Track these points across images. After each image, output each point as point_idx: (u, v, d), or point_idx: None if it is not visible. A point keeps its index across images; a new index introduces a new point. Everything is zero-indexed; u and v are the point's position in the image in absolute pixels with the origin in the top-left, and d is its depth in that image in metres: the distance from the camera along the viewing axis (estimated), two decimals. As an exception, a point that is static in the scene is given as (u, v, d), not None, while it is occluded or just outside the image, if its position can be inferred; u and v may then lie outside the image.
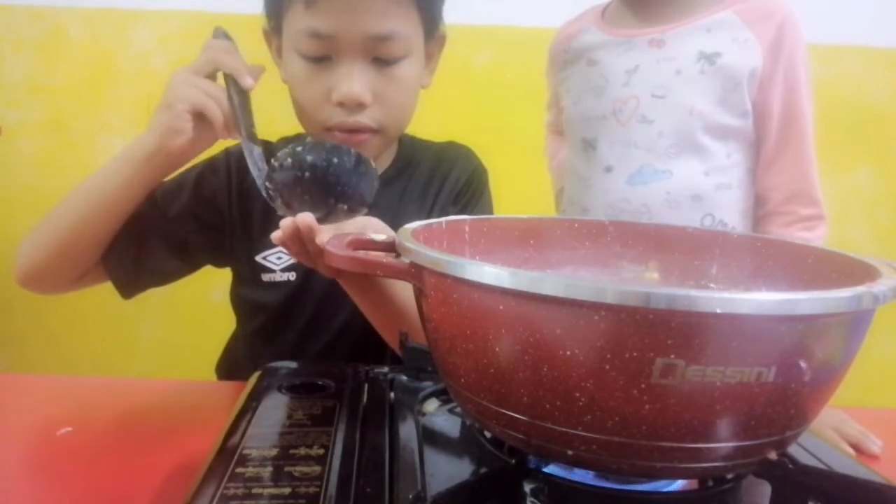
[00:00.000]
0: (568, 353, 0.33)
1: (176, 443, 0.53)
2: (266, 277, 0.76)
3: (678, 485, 0.40)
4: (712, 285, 0.51)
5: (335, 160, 0.56)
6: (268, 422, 0.46)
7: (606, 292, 0.31)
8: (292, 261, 0.75)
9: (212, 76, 0.65)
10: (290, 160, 0.56)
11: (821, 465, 0.44)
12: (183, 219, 0.74)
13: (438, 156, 0.86)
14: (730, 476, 0.40)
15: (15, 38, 1.54)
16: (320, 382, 0.54)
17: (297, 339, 0.77)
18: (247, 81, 0.64)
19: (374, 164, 0.58)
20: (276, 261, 0.76)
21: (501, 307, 0.35)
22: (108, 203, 0.67)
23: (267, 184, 0.57)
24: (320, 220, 0.54)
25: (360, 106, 0.70)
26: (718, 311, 0.31)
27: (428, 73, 0.79)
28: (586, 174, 0.89)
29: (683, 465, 0.36)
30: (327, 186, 0.56)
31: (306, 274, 0.75)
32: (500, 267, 0.34)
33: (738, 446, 0.35)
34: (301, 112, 0.74)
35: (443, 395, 0.53)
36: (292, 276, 0.76)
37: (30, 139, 1.59)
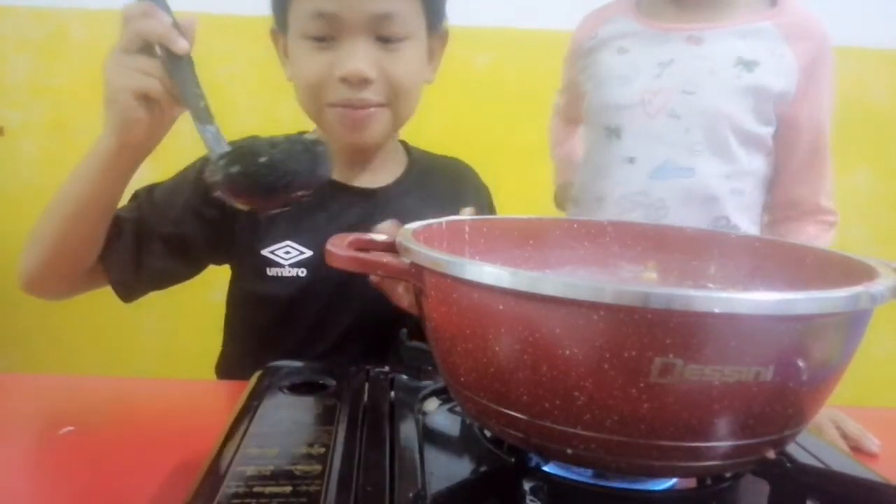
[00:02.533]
0: (567, 352, 0.33)
1: (177, 442, 0.53)
2: (272, 272, 0.75)
3: (676, 483, 0.40)
4: (710, 285, 0.51)
5: (264, 159, 0.53)
6: (269, 421, 0.47)
7: (605, 292, 0.32)
8: (302, 256, 0.75)
9: (145, 48, 0.58)
10: (221, 164, 0.53)
11: (819, 464, 0.44)
12: (184, 218, 0.74)
13: (453, 170, 0.87)
14: (728, 475, 0.41)
15: (17, 38, 1.54)
16: (321, 382, 0.54)
17: (303, 337, 0.77)
18: (178, 45, 0.56)
19: (321, 145, 0.56)
20: (285, 255, 0.76)
21: (501, 307, 0.35)
22: (86, 206, 0.65)
23: (210, 178, 0.54)
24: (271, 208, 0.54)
25: (364, 82, 0.70)
26: (716, 310, 0.31)
27: (431, 70, 0.79)
28: (605, 162, 0.88)
29: (682, 464, 0.36)
30: (268, 185, 0.53)
31: (317, 270, 0.75)
32: (500, 267, 0.34)
33: (737, 445, 0.35)
34: (304, 93, 0.73)
35: (443, 394, 0.53)
36: (302, 272, 0.75)
37: (32, 140, 1.60)
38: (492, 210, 0.88)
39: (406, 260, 0.41)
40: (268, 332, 0.79)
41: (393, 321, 0.71)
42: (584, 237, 0.55)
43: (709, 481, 0.41)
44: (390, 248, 0.46)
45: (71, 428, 0.56)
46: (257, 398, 0.50)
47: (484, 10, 1.46)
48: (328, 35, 0.70)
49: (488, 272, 0.34)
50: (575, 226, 0.55)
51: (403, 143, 0.87)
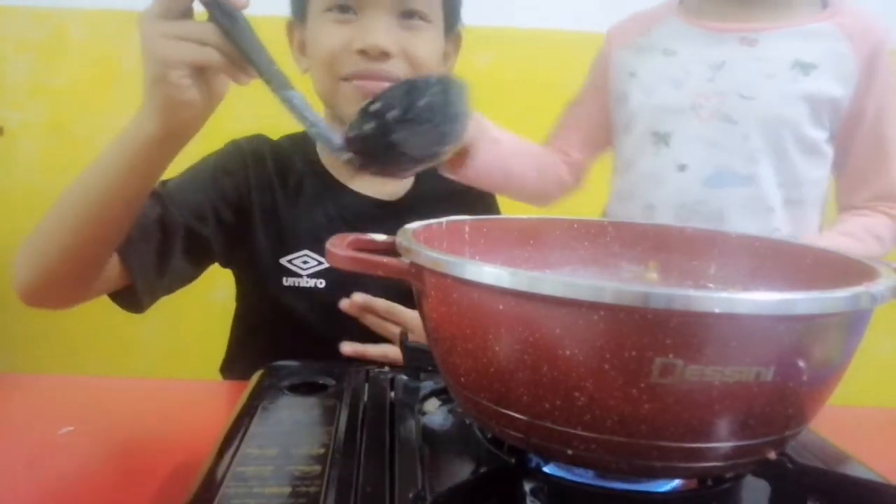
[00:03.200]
0: (567, 352, 0.33)
1: (177, 442, 0.53)
2: (289, 281, 0.74)
3: (677, 484, 0.40)
4: (711, 285, 0.51)
5: (425, 98, 0.47)
6: (269, 421, 0.47)
7: (605, 292, 0.32)
8: (320, 267, 0.74)
9: (187, 12, 0.50)
10: (380, 107, 0.47)
11: (820, 465, 0.44)
12: (205, 216, 0.70)
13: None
14: (729, 475, 0.41)
15: (17, 39, 1.54)
16: (321, 382, 0.54)
17: (315, 349, 0.74)
18: None
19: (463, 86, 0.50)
20: (303, 265, 0.75)
21: (501, 307, 0.35)
22: (111, 202, 0.56)
23: (346, 136, 0.49)
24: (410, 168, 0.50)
25: (383, 55, 0.69)
26: (717, 310, 0.31)
27: (445, 71, 0.79)
28: (654, 170, 0.84)
29: (682, 465, 0.36)
30: (425, 131, 0.48)
31: (336, 282, 0.73)
32: (500, 267, 0.34)
33: (737, 446, 0.35)
34: (320, 69, 0.72)
35: (443, 394, 0.53)
36: (321, 283, 0.74)
37: (32, 140, 1.59)
38: (497, 212, 0.88)
39: (406, 260, 0.41)
40: (279, 341, 0.76)
41: None
42: (584, 237, 0.55)
43: (709, 482, 0.41)
44: (390, 248, 0.46)
45: (70, 428, 0.56)
46: (257, 398, 0.50)
47: (485, 8, 1.46)
48: (352, 6, 0.69)
49: (488, 272, 0.34)
50: (575, 226, 0.55)
51: None
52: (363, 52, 0.69)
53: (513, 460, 0.39)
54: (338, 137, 0.51)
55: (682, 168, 0.82)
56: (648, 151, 0.85)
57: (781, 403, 0.35)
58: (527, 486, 0.36)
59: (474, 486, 0.37)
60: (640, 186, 0.87)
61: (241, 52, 0.48)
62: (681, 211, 0.82)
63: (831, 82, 0.79)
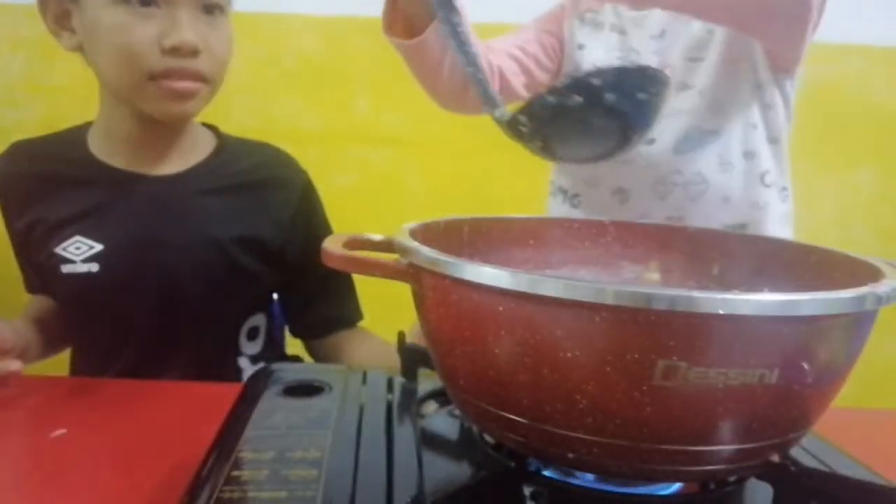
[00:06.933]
0: (568, 354, 0.33)
1: (171, 445, 0.53)
2: (66, 269, 0.74)
3: (679, 487, 0.40)
4: (713, 286, 0.51)
5: (644, 94, 0.44)
6: (264, 424, 0.46)
7: (607, 293, 0.31)
8: (92, 251, 0.73)
9: None
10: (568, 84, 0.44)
11: (823, 468, 0.44)
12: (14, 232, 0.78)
13: (265, 155, 0.84)
14: (732, 479, 0.40)
15: (13, 36, 1.54)
16: (317, 384, 0.53)
17: (107, 335, 0.77)
18: None
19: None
20: (76, 251, 0.74)
21: (501, 308, 0.34)
22: None
23: (521, 117, 0.47)
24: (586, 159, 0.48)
25: (194, 53, 0.68)
26: (721, 312, 0.30)
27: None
28: None
29: (685, 468, 0.35)
30: (618, 128, 0.46)
31: (108, 265, 0.73)
32: (500, 268, 0.34)
33: (741, 449, 0.35)
34: (119, 65, 0.68)
35: (441, 396, 0.52)
36: (94, 266, 0.73)
37: (28, 139, 1.59)
38: (309, 193, 0.85)
39: (403, 260, 0.41)
40: (77, 332, 0.80)
41: (201, 316, 0.75)
42: (585, 237, 0.54)
43: (712, 485, 0.40)
44: (387, 247, 0.45)
45: (63, 431, 0.55)
46: (253, 401, 0.50)
47: (485, 7, 1.45)
48: (150, 1, 0.66)
49: (488, 273, 0.34)
50: (576, 225, 0.55)
51: (215, 129, 0.84)
52: (175, 50, 0.67)
53: (512, 464, 0.39)
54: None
55: (650, 142, 0.79)
56: None
57: (785, 406, 0.34)
58: (527, 490, 0.36)
59: (474, 490, 0.37)
60: (604, 169, 0.83)
61: (457, 44, 0.51)
62: (659, 187, 0.81)
63: None
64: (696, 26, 0.79)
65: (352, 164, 1.40)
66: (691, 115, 0.79)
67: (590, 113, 0.45)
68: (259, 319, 0.83)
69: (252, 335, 0.82)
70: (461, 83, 0.76)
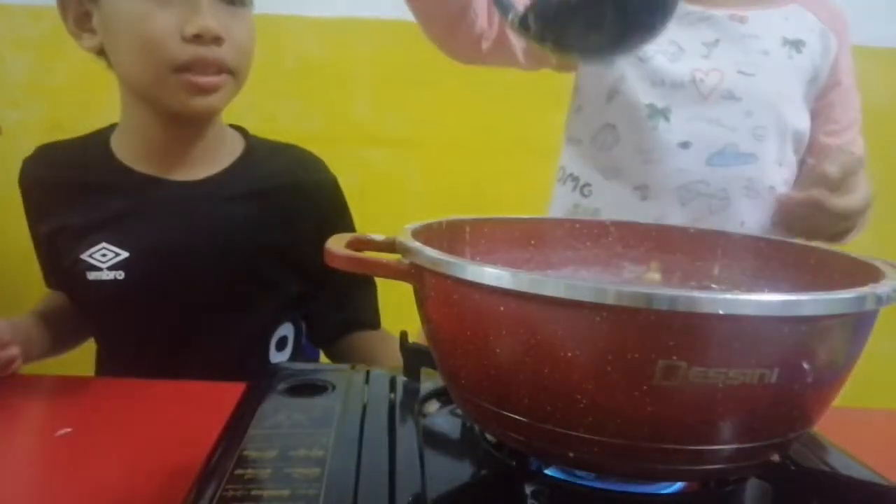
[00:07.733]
0: (569, 354, 0.33)
1: (175, 444, 0.53)
2: (92, 276, 0.73)
3: (679, 487, 0.40)
4: (714, 286, 0.51)
5: None
6: (267, 423, 0.46)
7: (608, 293, 0.31)
8: (118, 258, 0.73)
9: None
10: None
11: (823, 468, 0.44)
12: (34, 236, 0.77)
13: (294, 159, 0.83)
14: (732, 478, 0.40)
15: (15, 37, 1.54)
16: (320, 383, 0.53)
17: (133, 341, 0.77)
18: None
19: None
20: (102, 258, 0.73)
21: (502, 308, 0.35)
22: None
23: (529, 16, 0.47)
24: (601, 54, 0.48)
25: (216, 40, 0.66)
26: (721, 312, 0.31)
27: None
28: (650, 146, 0.79)
29: (685, 468, 0.36)
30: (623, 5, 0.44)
31: (134, 272, 0.73)
32: (501, 268, 0.34)
33: (741, 448, 0.35)
34: (141, 54, 0.67)
35: (443, 396, 0.53)
36: (120, 274, 0.73)
37: (30, 139, 1.57)
38: (336, 198, 0.85)
39: (405, 260, 0.41)
40: (101, 336, 0.80)
41: (223, 322, 0.74)
42: (586, 237, 0.54)
43: (712, 485, 0.40)
44: (390, 247, 0.45)
45: (68, 430, 0.55)
46: (256, 400, 0.50)
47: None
48: None
49: (489, 273, 0.34)
50: (577, 226, 0.55)
51: (243, 130, 0.83)
52: (197, 38, 0.65)
53: (514, 463, 0.39)
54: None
55: (684, 146, 0.78)
56: (642, 125, 0.79)
57: (785, 406, 0.34)
58: (528, 489, 0.36)
59: (475, 489, 0.37)
60: (629, 163, 0.81)
61: None
62: (683, 192, 0.79)
63: (818, 58, 0.81)
64: (753, 45, 0.80)
65: (353, 165, 1.40)
66: (733, 132, 0.79)
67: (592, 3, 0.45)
68: (287, 329, 0.82)
69: (280, 345, 0.81)
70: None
